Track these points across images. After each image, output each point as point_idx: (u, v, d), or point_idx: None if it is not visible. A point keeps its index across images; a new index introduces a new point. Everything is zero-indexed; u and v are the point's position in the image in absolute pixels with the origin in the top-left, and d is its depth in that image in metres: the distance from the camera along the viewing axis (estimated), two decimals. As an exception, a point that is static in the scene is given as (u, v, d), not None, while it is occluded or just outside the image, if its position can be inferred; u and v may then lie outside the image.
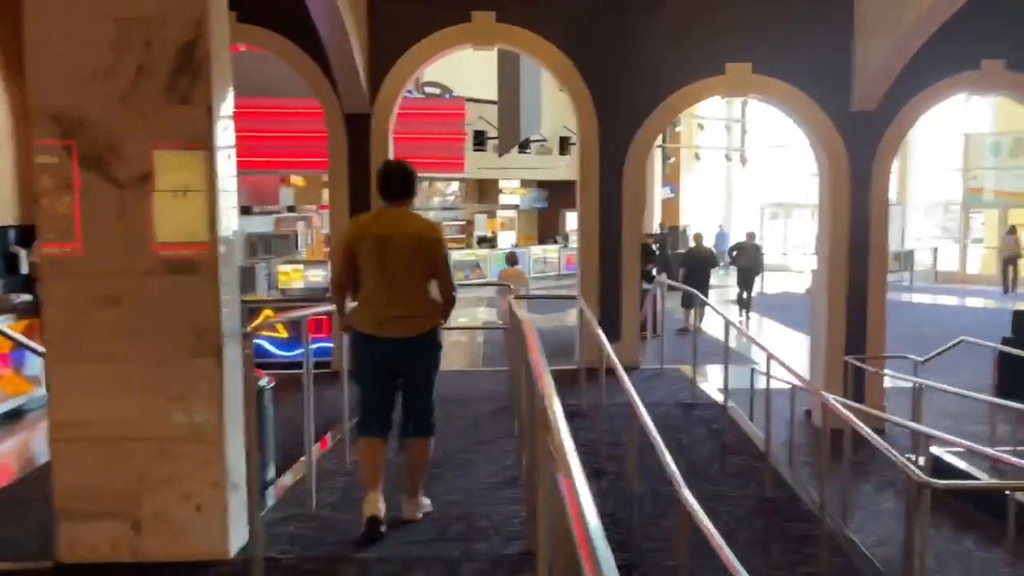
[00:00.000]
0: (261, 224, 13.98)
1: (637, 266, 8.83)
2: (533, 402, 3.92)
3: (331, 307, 4.67)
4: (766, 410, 5.82)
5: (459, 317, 13.36)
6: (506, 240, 22.68)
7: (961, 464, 6.72)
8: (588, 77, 8.49)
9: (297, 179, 15.41)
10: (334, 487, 4.55)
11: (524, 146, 20.50)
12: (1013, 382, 7.93)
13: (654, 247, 14.73)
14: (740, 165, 24.47)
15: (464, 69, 15.87)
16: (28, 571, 3.42)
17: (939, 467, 6.67)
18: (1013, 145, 21.53)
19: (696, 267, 13.70)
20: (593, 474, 5.41)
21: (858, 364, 7.94)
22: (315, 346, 9.01)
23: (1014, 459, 5.16)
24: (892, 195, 9.04)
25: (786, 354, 10.03)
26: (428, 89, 14.41)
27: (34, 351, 4.18)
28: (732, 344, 12.07)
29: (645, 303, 10.93)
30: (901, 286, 20.40)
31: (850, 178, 8.58)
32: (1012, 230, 20.31)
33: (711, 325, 14.24)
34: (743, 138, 24.41)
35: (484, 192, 23.51)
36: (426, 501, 4.11)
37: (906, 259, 22.01)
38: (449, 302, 3.92)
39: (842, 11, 8.47)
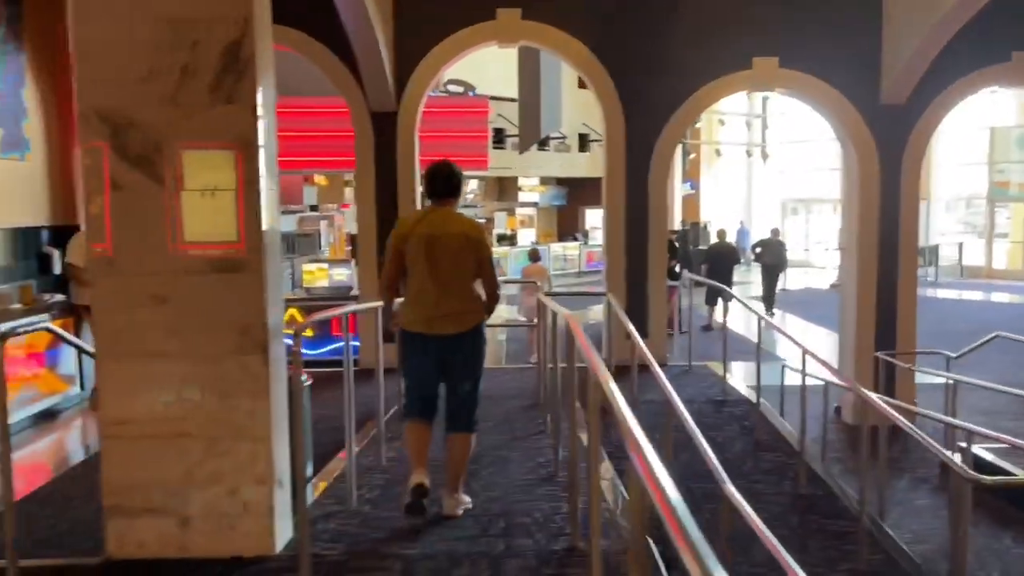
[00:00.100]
0: (285, 223, 14.05)
1: (664, 263, 8.81)
2: (574, 397, 3.94)
3: (369, 304, 4.74)
4: (801, 407, 5.78)
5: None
6: (526, 238, 22.69)
7: (999, 461, 6.64)
8: (614, 73, 8.47)
9: (320, 178, 15.47)
10: (372, 484, 4.57)
11: (543, 143, 20.51)
12: (1048, 378, 7.83)
13: (675, 244, 14.68)
14: (761, 161, 24.33)
15: (482, 67, 15.87)
16: (78, 566, 3.46)
17: (977, 464, 6.60)
18: (1039, 138, 21.28)
19: (718, 263, 13.63)
20: (621, 473, 5.39)
21: (890, 360, 7.87)
22: (339, 344, 9.14)
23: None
24: (918, 189, 8.93)
25: (828, 350, 9.96)
26: (451, 87, 14.44)
27: (85, 351, 4.22)
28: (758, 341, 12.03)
29: (671, 300, 10.89)
30: (926, 281, 20.21)
31: (880, 172, 8.51)
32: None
33: (736, 322, 14.18)
34: (763, 134, 24.26)
35: (503, 190, 23.52)
36: (466, 498, 4.13)
37: (931, 254, 21.80)
38: (493, 299, 4.07)
39: (870, 3, 8.39)
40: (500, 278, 4.23)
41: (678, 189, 21.69)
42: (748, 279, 19.62)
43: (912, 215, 8.64)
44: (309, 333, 9.05)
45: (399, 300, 4.11)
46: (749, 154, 24.53)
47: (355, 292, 10.11)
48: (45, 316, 6.89)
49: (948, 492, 6.70)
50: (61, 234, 7.72)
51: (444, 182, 4.01)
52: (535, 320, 10.08)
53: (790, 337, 6.70)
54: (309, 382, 4.89)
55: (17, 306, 6.87)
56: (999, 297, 18.77)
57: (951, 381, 7.44)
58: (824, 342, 11.72)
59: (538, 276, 10.33)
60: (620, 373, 7.94)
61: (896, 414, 4.72)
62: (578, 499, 3.64)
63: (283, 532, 3.57)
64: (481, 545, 3.62)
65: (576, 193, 24.61)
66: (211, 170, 3.37)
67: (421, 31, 8.31)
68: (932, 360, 8.60)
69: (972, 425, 5.85)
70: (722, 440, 6.36)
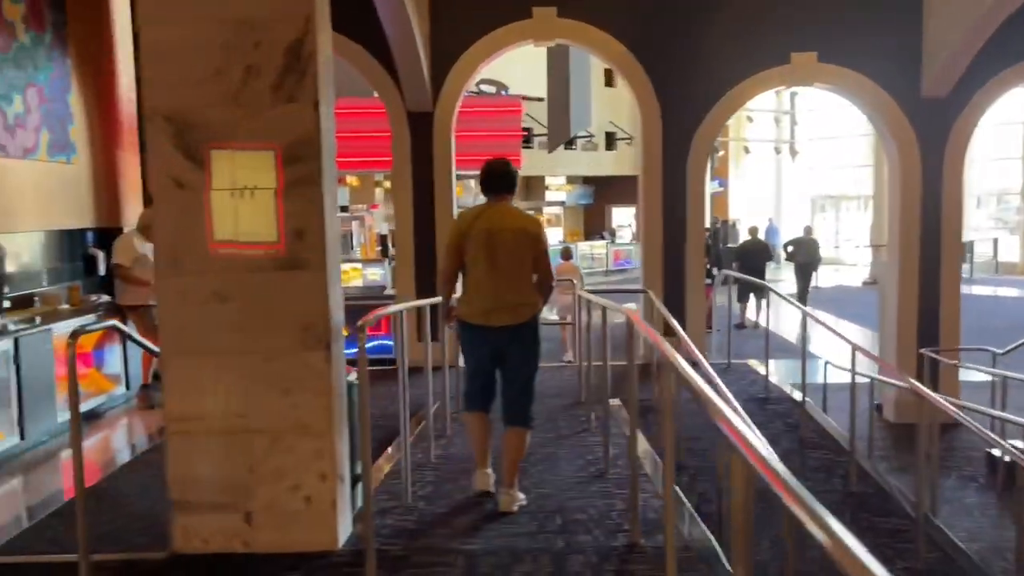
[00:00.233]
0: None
1: (701, 260, 8.76)
2: (634, 394, 3.93)
3: (427, 300, 4.80)
4: (851, 404, 5.73)
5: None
6: (552, 236, 22.68)
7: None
8: (650, 70, 8.43)
9: (352, 179, 15.55)
10: (424, 480, 4.59)
11: (570, 142, 20.49)
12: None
13: (707, 242, 14.59)
14: (789, 157, 24.13)
15: (508, 67, 15.88)
16: (146, 561, 3.51)
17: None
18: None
19: (750, 261, 13.53)
20: (677, 468, 5.37)
21: (935, 357, 7.76)
22: (375, 343, 9.18)
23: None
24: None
25: (847, 348, 9.87)
26: (483, 87, 14.47)
27: (150, 351, 4.28)
28: (793, 339, 11.93)
29: (708, 298, 10.82)
30: (961, 278, 19.91)
31: (921, 167, 8.40)
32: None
33: (770, 319, 14.05)
34: (792, 130, 24.06)
35: (530, 189, 23.54)
36: (521, 495, 4.14)
37: (965, 250, 21.49)
38: (548, 290, 4.21)
39: (911, -4, 8.30)
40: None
41: (707, 187, 21.56)
42: (779, 277, 19.46)
43: (954, 210, 8.52)
44: (345, 332, 9.10)
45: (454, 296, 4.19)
46: (778, 151, 24.32)
47: (388, 291, 10.16)
48: (92, 316, 7.00)
49: (995, 489, 6.62)
50: (105, 236, 7.84)
51: (500, 179, 4.16)
52: (568, 318, 10.11)
53: (839, 334, 6.63)
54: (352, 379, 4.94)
55: (65, 307, 6.99)
56: (1035, 293, 18.47)
57: (998, 378, 7.33)
58: (858, 339, 11.58)
59: (571, 274, 10.31)
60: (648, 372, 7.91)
61: (961, 413, 4.66)
62: (638, 495, 3.63)
63: (344, 528, 3.61)
64: (540, 541, 3.63)
65: (603, 192, 24.59)
66: (237, 170, 3.38)
67: (457, 31, 8.33)
68: (974, 357, 8.48)
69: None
70: (768, 437, 6.23)
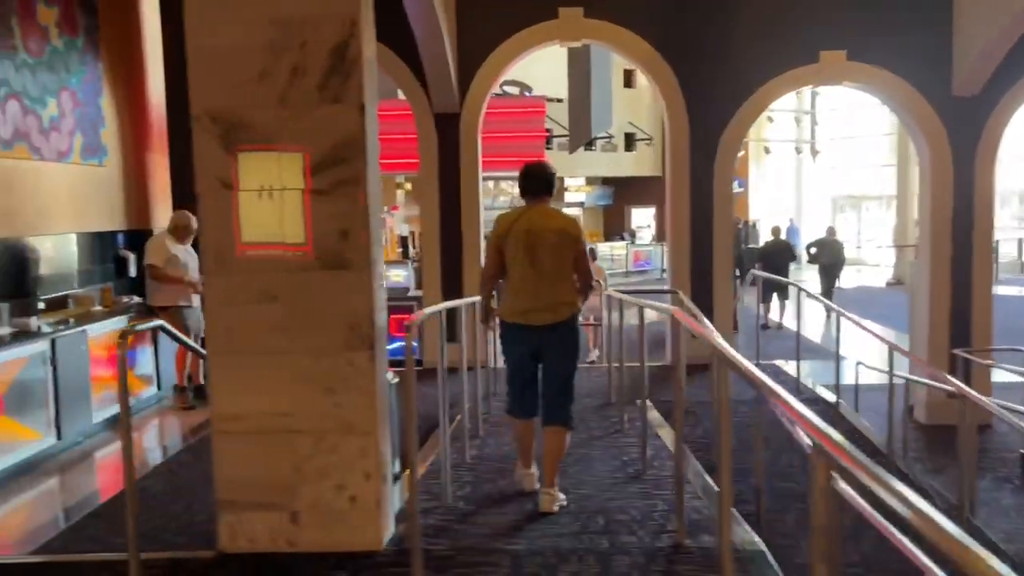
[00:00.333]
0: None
1: (729, 260, 8.71)
2: (682, 394, 3.92)
3: (469, 299, 4.82)
4: (888, 405, 5.67)
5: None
6: (572, 238, 22.66)
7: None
8: (677, 70, 8.40)
9: (372, 181, 15.56)
10: (461, 480, 4.59)
11: (589, 143, 20.43)
12: None
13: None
14: (810, 158, 23.98)
15: (527, 68, 15.85)
16: (193, 560, 3.53)
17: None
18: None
19: (773, 262, 13.44)
20: (710, 469, 5.35)
21: (968, 357, 7.68)
22: (398, 345, 9.20)
23: None
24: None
25: (875, 349, 9.78)
26: (507, 88, 14.48)
27: (197, 352, 4.30)
28: (817, 340, 11.85)
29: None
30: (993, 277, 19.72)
31: (953, 166, 8.32)
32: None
33: (792, 320, 13.97)
34: (813, 130, 23.92)
35: (550, 190, 23.52)
36: (561, 496, 4.14)
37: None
38: (588, 290, 4.27)
39: (940, -7, 8.23)
40: None
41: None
42: (800, 278, 19.32)
43: (986, 209, 8.43)
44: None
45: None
46: (798, 151, 24.17)
47: (412, 292, 10.18)
48: (124, 318, 7.07)
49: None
50: (135, 238, 7.91)
51: (539, 181, 4.23)
52: (592, 318, 10.09)
53: (877, 335, 6.56)
54: (396, 380, 4.95)
55: (98, 308, 7.06)
56: (1062, 294, 18.25)
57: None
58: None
59: (597, 275, 10.28)
60: (689, 372, 7.88)
61: (1008, 415, 4.60)
62: (683, 496, 3.61)
63: (388, 527, 3.61)
64: (584, 542, 3.61)
65: (622, 192, 24.56)
66: (257, 171, 3.39)
67: (484, 32, 8.34)
68: (1005, 357, 8.38)
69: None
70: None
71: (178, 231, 7.23)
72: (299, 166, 3.39)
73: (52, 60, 6.84)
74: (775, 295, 13.54)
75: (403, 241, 15.60)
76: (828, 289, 14.52)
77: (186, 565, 3.48)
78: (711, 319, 8.49)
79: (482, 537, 3.71)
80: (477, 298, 4.56)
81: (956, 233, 8.40)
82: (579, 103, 15.05)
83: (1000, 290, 18.88)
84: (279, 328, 3.45)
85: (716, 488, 4.57)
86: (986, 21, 7.73)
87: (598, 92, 14.92)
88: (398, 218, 17.32)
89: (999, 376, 8.39)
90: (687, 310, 6.93)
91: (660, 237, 24.15)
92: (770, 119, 23.24)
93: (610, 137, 21.90)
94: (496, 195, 21.19)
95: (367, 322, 3.45)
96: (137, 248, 7.77)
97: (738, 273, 12.35)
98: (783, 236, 14.73)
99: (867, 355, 9.04)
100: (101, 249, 7.58)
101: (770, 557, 3.42)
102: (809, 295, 8.65)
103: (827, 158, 24.65)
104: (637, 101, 23.53)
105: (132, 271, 7.86)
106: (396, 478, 4.79)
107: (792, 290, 13.60)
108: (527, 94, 14.41)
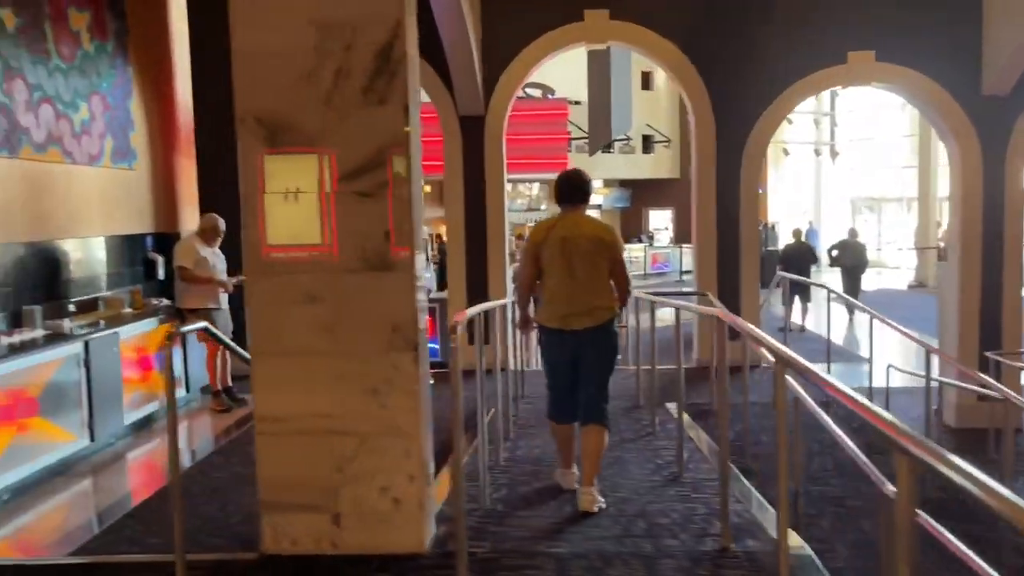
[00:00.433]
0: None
1: (756, 263, 8.67)
2: (726, 395, 3.89)
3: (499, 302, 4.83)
4: (925, 407, 5.62)
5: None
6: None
7: None
8: (703, 72, 8.38)
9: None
10: (497, 483, 4.58)
11: (607, 146, 20.41)
12: None
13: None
14: (829, 159, 23.84)
15: (545, 70, 15.88)
16: (235, 561, 3.53)
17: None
18: None
19: (795, 264, 13.35)
20: (745, 472, 5.32)
21: (999, 359, 7.59)
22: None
23: None
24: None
25: (900, 352, 9.69)
26: (529, 90, 14.48)
27: (241, 356, 4.32)
28: (840, 342, 11.74)
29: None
30: None
31: (982, 166, 8.24)
32: None
33: (815, 323, 13.87)
34: (832, 131, 23.77)
35: (567, 193, 23.50)
36: (600, 498, 4.12)
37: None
38: (626, 295, 4.29)
39: (970, -7, 8.16)
40: None
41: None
42: (822, 280, 19.19)
43: (1016, 209, 8.33)
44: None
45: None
46: (817, 153, 24.03)
47: (435, 295, 10.19)
48: (154, 320, 7.11)
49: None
50: (163, 241, 7.95)
51: (575, 189, 4.28)
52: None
53: (917, 339, 6.49)
54: (431, 382, 4.95)
55: (128, 310, 7.09)
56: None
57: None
58: (908, 343, 11.42)
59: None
60: (702, 375, 7.84)
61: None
62: (728, 499, 3.58)
63: (431, 529, 3.60)
64: (628, 545, 3.59)
65: (639, 194, 24.51)
66: (283, 174, 3.40)
67: (509, 34, 8.35)
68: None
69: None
70: (832, 442, 6.20)
71: (206, 233, 7.26)
72: (314, 167, 3.39)
73: (84, 64, 6.89)
74: (797, 297, 13.45)
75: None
76: (852, 291, 14.41)
77: (230, 567, 3.48)
78: (737, 321, 8.45)
79: (523, 540, 3.70)
80: (505, 300, 4.60)
81: (986, 234, 8.32)
82: (599, 105, 15.02)
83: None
84: (322, 329, 3.45)
85: (755, 492, 4.56)
86: (1016, 21, 7.65)
87: (618, 94, 14.88)
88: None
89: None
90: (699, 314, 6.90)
91: (678, 239, 24.07)
92: (789, 121, 23.06)
93: (628, 139, 21.86)
94: (513, 198, 21.20)
95: (411, 324, 3.44)
96: (165, 251, 7.81)
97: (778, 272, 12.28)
98: (803, 238, 14.64)
99: (893, 358, 8.96)
100: (130, 252, 7.62)
101: (818, 562, 3.39)
102: (840, 297, 8.58)
103: (846, 160, 24.50)
104: (655, 103, 23.49)
105: (160, 273, 7.89)
106: (432, 479, 4.80)
107: (815, 293, 13.50)
108: (549, 96, 14.39)
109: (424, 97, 9.28)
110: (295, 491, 3.50)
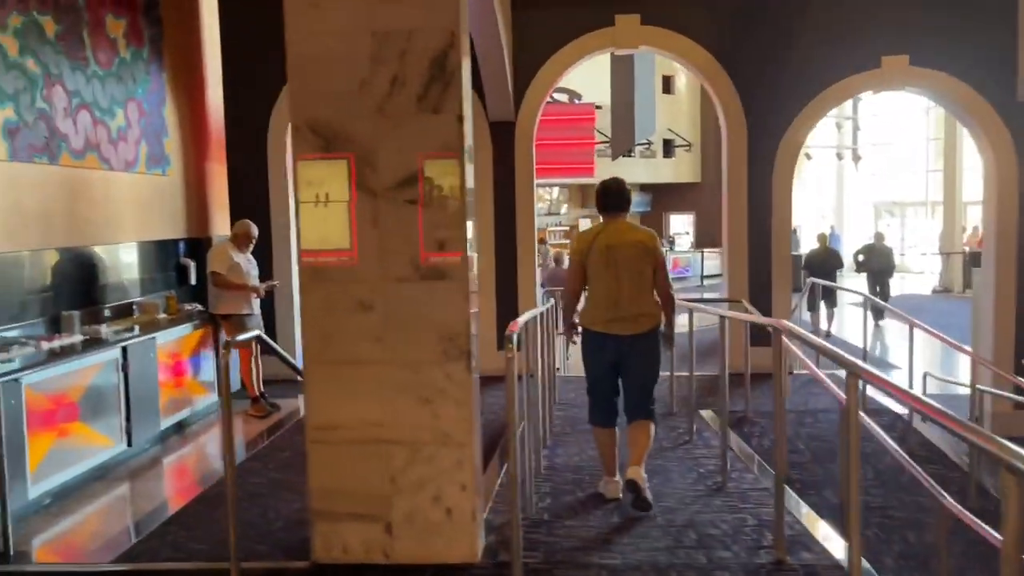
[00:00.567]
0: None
1: (788, 269, 8.60)
2: (781, 404, 3.85)
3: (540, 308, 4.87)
4: (969, 415, 5.54)
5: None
6: (609, 245, 22.56)
7: None
8: (735, 77, 8.34)
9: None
10: (540, 491, 4.55)
11: (628, 150, 20.33)
12: None
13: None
14: (852, 164, 23.66)
15: (568, 74, 15.87)
16: (287, 570, 3.53)
17: None
18: None
19: (820, 269, 13.25)
20: (787, 481, 5.26)
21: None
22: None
23: None
24: None
25: (931, 358, 9.57)
26: (556, 95, 14.49)
27: (293, 367, 4.32)
28: (868, 347, 11.61)
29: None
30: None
31: (1017, 170, 8.15)
32: None
33: (842, 329, 13.77)
34: (855, 135, 23.59)
35: (587, 196, 23.43)
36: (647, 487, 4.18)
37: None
38: (669, 300, 4.34)
39: (1005, -3, 8.07)
40: None
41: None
42: (847, 285, 19.05)
43: (1053, 216, 8.23)
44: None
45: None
46: (840, 157, 23.86)
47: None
48: (188, 325, 7.13)
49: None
50: (195, 246, 7.99)
51: (616, 197, 4.42)
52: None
53: (961, 348, 6.41)
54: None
55: (163, 316, 7.12)
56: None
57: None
58: (934, 349, 11.31)
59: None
60: (739, 381, 7.78)
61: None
62: (783, 511, 3.54)
63: (482, 539, 3.58)
64: (681, 557, 3.56)
65: (660, 199, 24.41)
66: (328, 179, 3.39)
67: (539, 39, 8.34)
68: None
69: None
70: (871, 451, 6.13)
71: (239, 239, 7.28)
72: (344, 172, 3.38)
73: (120, 71, 6.94)
74: (822, 303, 13.34)
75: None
76: (880, 297, 14.29)
77: (283, 575, 3.47)
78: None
79: (574, 550, 3.67)
80: (541, 309, 4.70)
81: (1021, 240, 8.22)
82: (622, 109, 15.00)
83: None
84: (376, 338, 3.44)
85: (802, 502, 4.50)
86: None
87: (641, 98, 14.86)
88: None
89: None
90: (729, 320, 6.85)
91: (699, 244, 23.95)
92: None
93: (649, 143, 21.79)
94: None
95: (464, 333, 3.43)
96: (196, 256, 7.85)
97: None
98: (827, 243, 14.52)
99: (922, 364, 8.86)
100: (164, 257, 7.66)
101: None
102: (871, 302, 8.50)
103: (868, 164, 24.32)
104: (676, 107, 23.40)
105: (193, 279, 7.93)
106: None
107: (842, 298, 13.38)
108: (576, 101, 14.37)
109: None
110: (347, 500, 3.49)
